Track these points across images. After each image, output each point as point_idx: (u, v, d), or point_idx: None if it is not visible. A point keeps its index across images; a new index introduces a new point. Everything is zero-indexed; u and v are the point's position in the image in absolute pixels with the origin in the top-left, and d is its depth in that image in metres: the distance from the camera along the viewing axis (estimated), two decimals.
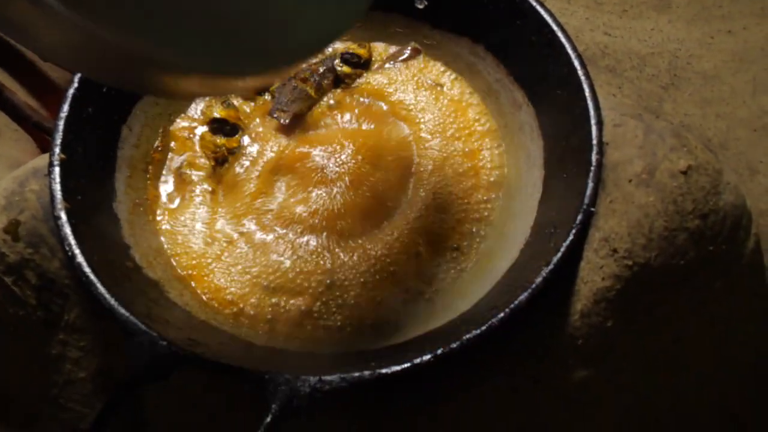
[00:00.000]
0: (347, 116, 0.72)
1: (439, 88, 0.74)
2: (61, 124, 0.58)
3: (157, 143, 0.70)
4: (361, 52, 0.74)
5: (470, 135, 0.73)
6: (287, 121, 0.68)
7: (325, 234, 0.64)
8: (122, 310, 0.50)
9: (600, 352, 0.53)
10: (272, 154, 0.68)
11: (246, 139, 0.69)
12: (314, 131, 0.71)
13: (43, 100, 1.05)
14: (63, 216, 0.53)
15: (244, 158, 0.68)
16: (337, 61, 0.73)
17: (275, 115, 0.68)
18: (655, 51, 0.85)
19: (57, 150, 0.57)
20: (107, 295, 0.50)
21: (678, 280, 0.50)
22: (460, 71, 0.75)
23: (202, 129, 0.69)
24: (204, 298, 0.61)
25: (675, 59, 0.85)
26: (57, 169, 0.56)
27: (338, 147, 0.68)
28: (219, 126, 0.69)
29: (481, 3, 0.69)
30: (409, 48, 0.71)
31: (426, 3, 0.74)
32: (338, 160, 0.67)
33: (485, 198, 0.69)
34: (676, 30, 0.87)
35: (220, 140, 0.67)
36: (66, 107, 0.60)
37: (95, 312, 0.57)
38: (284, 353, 0.56)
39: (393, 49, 0.75)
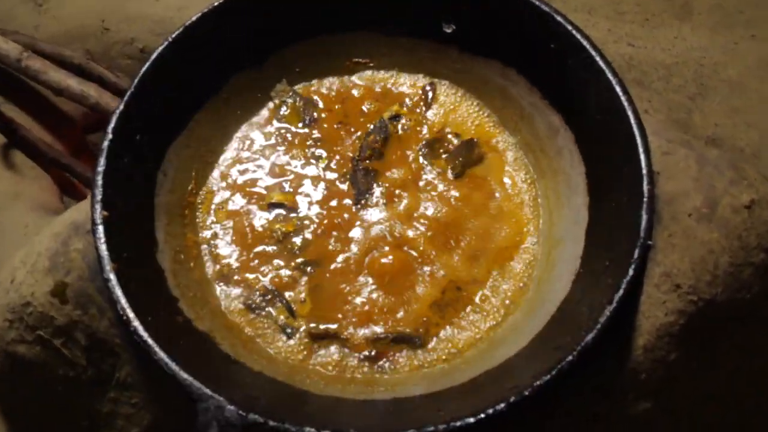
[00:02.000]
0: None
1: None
2: (99, 179, 0.57)
3: (191, 186, 0.69)
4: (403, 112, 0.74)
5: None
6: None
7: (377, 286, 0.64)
8: (185, 375, 0.49)
9: (662, 386, 0.53)
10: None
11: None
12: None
13: (57, 134, 1.03)
14: (113, 278, 0.52)
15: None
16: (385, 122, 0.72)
17: (361, 202, 0.67)
18: (679, 60, 0.85)
19: (99, 207, 0.56)
20: (169, 362, 0.49)
21: (743, 314, 0.50)
22: (490, 94, 0.74)
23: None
24: (254, 345, 0.61)
25: (700, 67, 0.84)
26: (101, 228, 0.55)
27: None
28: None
29: (513, 26, 0.68)
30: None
31: (454, 27, 0.73)
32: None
33: (526, 222, 0.68)
34: (699, 38, 0.87)
35: (279, 225, 0.66)
36: (102, 160, 0.58)
37: (147, 369, 0.56)
38: (343, 403, 0.55)
39: None
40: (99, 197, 0.56)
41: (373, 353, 0.61)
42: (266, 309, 0.62)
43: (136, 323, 0.51)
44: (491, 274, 0.65)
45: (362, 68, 0.77)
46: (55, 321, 0.55)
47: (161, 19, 0.96)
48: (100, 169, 0.58)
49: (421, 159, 0.70)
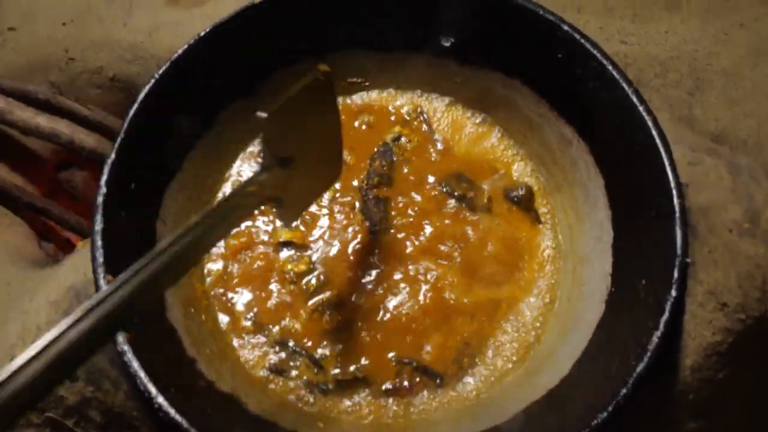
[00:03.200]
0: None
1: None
2: (98, 239, 0.52)
3: None
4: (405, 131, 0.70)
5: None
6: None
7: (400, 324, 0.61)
8: None
9: (711, 404, 0.52)
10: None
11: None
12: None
13: (28, 174, 0.97)
14: (129, 351, 0.48)
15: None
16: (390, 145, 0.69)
17: (374, 229, 0.64)
18: (673, 54, 0.83)
19: (102, 272, 0.51)
20: None
21: None
22: (495, 107, 0.72)
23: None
24: (281, 400, 0.57)
25: (694, 60, 0.83)
26: None
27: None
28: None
29: (516, 37, 0.66)
30: None
31: (452, 40, 0.70)
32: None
33: (545, 240, 0.66)
34: (690, 29, 0.86)
35: (291, 266, 0.63)
36: (99, 218, 0.54)
37: None
38: None
39: None
40: (101, 260, 0.52)
41: (401, 384, 0.59)
42: (290, 368, 0.58)
43: (161, 399, 0.46)
44: (514, 296, 0.63)
45: (358, 88, 0.74)
46: (66, 401, 0.50)
47: (131, 45, 0.90)
48: (98, 228, 0.53)
49: (440, 188, 0.66)
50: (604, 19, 0.87)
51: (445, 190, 0.65)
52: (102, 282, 0.51)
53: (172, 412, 0.46)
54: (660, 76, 0.82)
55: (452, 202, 0.66)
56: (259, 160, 0.63)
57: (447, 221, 0.65)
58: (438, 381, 0.59)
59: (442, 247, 0.64)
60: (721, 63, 0.84)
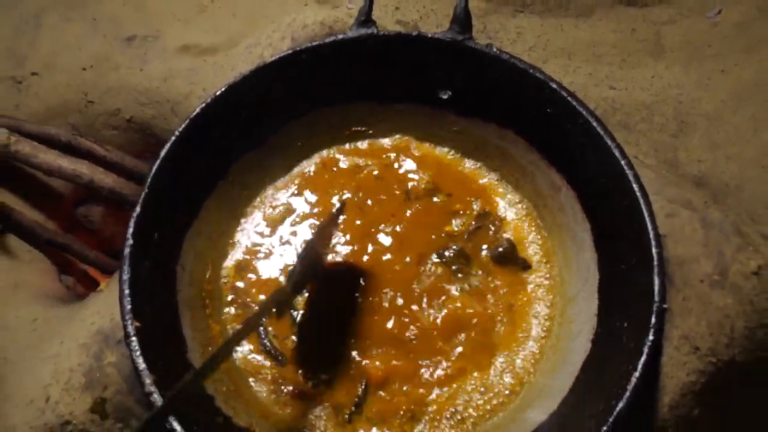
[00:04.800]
0: None
1: None
2: (126, 289, 0.57)
3: (208, 274, 0.69)
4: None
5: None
6: None
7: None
8: None
9: None
10: None
11: None
12: None
13: (48, 211, 1.02)
14: (156, 393, 0.53)
15: None
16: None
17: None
18: (659, 99, 0.89)
19: (130, 319, 0.56)
20: None
21: (760, 370, 0.53)
22: (489, 155, 0.77)
23: None
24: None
25: (679, 104, 0.89)
26: (135, 341, 0.55)
27: None
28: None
29: (508, 92, 0.71)
30: None
31: (450, 93, 0.75)
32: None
33: (536, 275, 0.71)
34: (674, 75, 0.91)
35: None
36: (126, 269, 0.58)
37: None
38: None
39: None
40: (129, 308, 0.57)
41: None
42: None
43: None
44: (507, 335, 0.68)
45: (361, 136, 0.79)
46: None
47: (146, 89, 0.96)
48: (126, 277, 0.58)
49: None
50: (593, 66, 0.93)
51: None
52: (130, 329, 0.56)
53: None
54: (646, 120, 0.87)
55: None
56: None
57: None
58: None
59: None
60: (704, 107, 0.89)
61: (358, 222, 0.72)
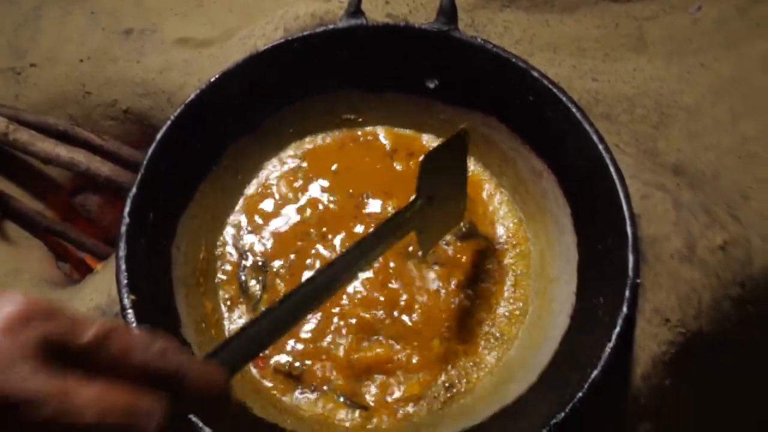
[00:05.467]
0: None
1: None
2: (123, 264, 0.60)
3: (202, 255, 0.72)
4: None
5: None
6: None
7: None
8: None
9: (659, 408, 0.59)
10: None
11: None
12: None
13: (46, 200, 1.04)
14: None
15: None
16: None
17: None
18: (640, 91, 0.92)
19: (126, 292, 0.58)
20: None
21: (725, 341, 0.56)
22: (474, 141, 0.79)
23: None
24: (284, 405, 0.64)
25: (660, 97, 0.92)
26: (131, 312, 0.57)
27: None
28: None
29: (492, 81, 0.74)
30: None
31: (436, 83, 0.78)
32: None
33: (520, 256, 0.74)
34: (656, 68, 0.94)
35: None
36: (123, 245, 0.61)
37: None
38: None
39: None
40: (125, 282, 0.59)
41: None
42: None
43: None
44: (492, 312, 0.71)
45: (351, 124, 0.82)
46: None
47: (143, 81, 0.98)
48: (122, 254, 0.60)
49: None
50: (577, 59, 0.95)
51: None
52: (126, 301, 0.58)
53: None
54: (628, 112, 0.90)
55: None
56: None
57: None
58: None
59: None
60: (684, 100, 0.92)
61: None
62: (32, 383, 0.28)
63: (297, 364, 0.66)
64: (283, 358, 0.67)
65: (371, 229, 0.58)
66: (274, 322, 0.43)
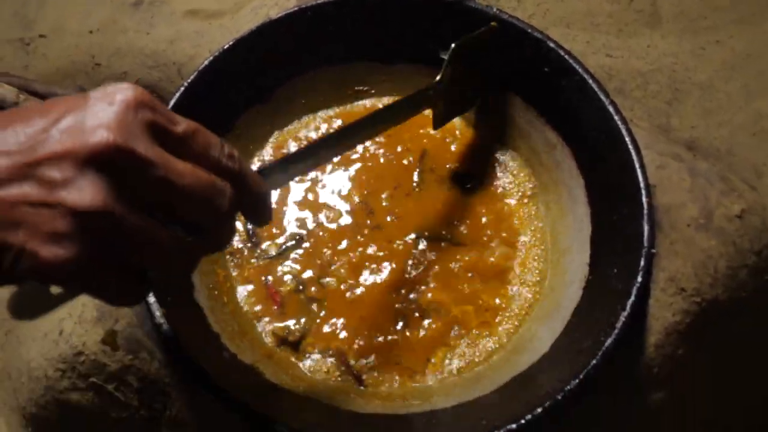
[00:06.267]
0: None
1: None
2: None
3: None
4: None
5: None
6: None
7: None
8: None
9: (673, 376, 0.59)
10: None
11: None
12: None
13: None
14: (164, 323, 0.55)
15: None
16: None
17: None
18: (654, 67, 0.91)
19: None
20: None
21: (741, 310, 0.56)
22: (488, 113, 0.79)
23: None
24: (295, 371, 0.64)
25: (673, 73, 0.91)
26: None
27: None
28: None
29: (507, 51, 0.73)
30: None
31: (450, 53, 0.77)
32: None
33: (532, 227, 0.73)
34: (670, 44, 0.93)
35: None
36: None
37: (197, 405, 0.60)
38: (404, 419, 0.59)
39: None
40: None
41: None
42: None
43: (195, 368, 0.54)
44: (503, 285, 0.71)
45: (364, 96, 0.81)
46: (108, 367, 0.57)
47: (153, 52, 0.98)
48: None
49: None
50: (591, 34, 0.95)
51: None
52: None
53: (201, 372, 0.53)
54: (641, 88, 0.90)
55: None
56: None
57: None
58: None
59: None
60: (698, 76, 0.91)
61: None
62: (150, 151, 0.36)
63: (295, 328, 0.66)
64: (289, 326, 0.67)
65: (396, 99, 0.65)
66: (305, 157, 0.53)
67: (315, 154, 0.53)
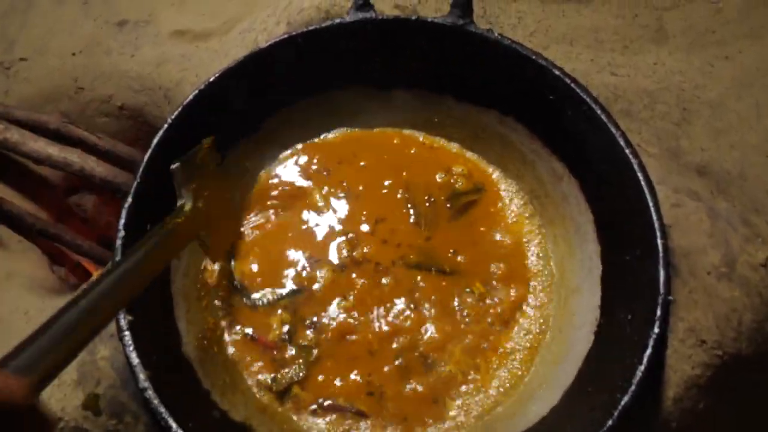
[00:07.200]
0: None
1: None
2: None
3: (203, 264, 0.68)
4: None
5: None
6: None
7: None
8: None
9: (693, 431, 0.55)
10: None
11: None
12: None
13: (39, 200, 1.00)
14: (150, 387, 0.51)
15: None
16: None
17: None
18: (661, 86, 0.87)
19: (122, 312, 0.54)
20: None
21: (765, 363, 0.53)
22: (490, 141, 0.75)
23: None
24: (287, 428, 0.61)
25: (681, 92, 0.87)
26: (128, 335, 0.53)
27: None
28: None
29: (509, 78, 0.69)
30: None
31: (450, 78, 0.73)
32: None
33: (539, 265, 0.70)
34: (677, 61, 0.89)
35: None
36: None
37: None
38: None
39: None
40: None
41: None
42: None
43: None
44: (508, 325, 0.67)
45: (358, 124, 0.77)
46: None
47: (138, 75, 0.94)
48: None
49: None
50: (595, 52, 0.91)
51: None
52: (124, 323, 0.54)
53: None
54: (648, 108, 0.86)
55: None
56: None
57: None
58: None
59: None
60: (707, 94, 0.87)
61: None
62: None
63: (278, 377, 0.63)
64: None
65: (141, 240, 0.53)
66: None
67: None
